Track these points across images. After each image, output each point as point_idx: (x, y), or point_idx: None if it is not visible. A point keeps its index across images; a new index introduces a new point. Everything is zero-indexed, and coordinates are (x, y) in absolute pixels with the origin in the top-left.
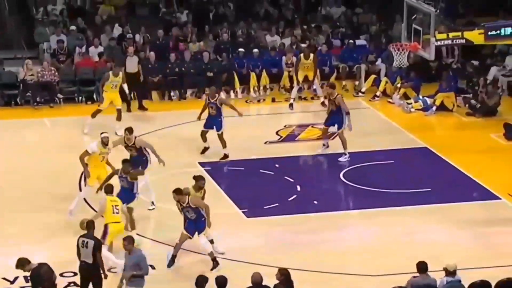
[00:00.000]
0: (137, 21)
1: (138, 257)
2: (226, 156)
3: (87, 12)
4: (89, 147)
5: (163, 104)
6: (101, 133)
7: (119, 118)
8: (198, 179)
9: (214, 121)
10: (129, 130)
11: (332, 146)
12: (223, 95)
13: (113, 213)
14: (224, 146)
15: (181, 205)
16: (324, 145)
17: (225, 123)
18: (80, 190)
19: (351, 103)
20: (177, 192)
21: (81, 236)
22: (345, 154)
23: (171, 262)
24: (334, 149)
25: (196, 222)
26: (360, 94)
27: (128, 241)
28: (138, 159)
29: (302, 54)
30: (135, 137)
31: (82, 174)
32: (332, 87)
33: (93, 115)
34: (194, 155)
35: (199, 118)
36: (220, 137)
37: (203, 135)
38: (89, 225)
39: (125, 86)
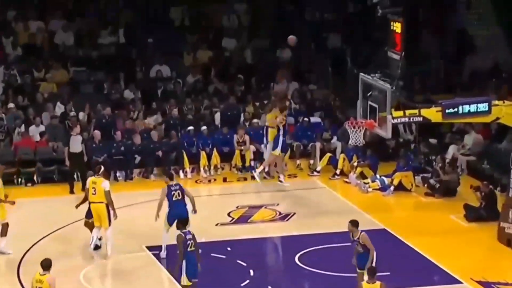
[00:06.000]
0: (81, 99)
1: None
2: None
3: (28, 90)
4: None
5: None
6: None
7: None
8: None
9: None
10: None
11: (287, 228)
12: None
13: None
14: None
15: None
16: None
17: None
18: None
19: (306, 183)
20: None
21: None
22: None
23: None
24: (289, 231)
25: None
26: (315, 173)
27: None
28: None
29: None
30: None
31: None
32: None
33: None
34: (142, 239)
35: (77, 206)
36: None
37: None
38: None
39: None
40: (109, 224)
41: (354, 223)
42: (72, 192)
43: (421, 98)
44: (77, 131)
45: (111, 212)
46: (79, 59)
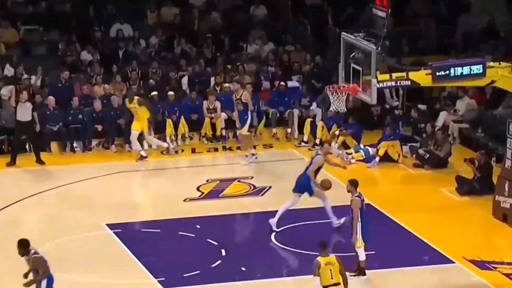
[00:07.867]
0: (33, 61)
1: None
2: None
3: None
4: None
5: (64, 157)
6: None
7: None
8: None
9: None
10: None
11: (262, 203)
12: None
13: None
14: None
15: None
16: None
17: None
18: None
19: (283, 154)
20: None
21: None
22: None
23: None
24: (264, 207)
25: None
26: (303, 144)
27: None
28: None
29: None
30: None
31: None
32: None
33: None
34: (101, 215)
35: None
36: None
37: None
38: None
39: None
40: None
41: (352, 182)
42: (14, 163)
43: (410, 61)
44: (24, 97)
45: None
46: (30, 17)
